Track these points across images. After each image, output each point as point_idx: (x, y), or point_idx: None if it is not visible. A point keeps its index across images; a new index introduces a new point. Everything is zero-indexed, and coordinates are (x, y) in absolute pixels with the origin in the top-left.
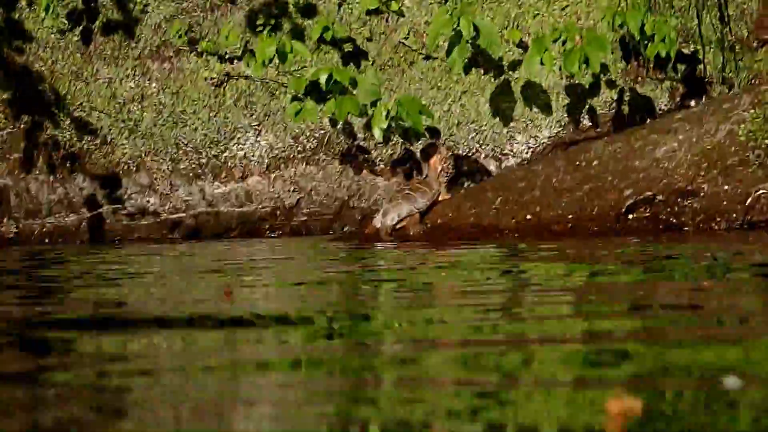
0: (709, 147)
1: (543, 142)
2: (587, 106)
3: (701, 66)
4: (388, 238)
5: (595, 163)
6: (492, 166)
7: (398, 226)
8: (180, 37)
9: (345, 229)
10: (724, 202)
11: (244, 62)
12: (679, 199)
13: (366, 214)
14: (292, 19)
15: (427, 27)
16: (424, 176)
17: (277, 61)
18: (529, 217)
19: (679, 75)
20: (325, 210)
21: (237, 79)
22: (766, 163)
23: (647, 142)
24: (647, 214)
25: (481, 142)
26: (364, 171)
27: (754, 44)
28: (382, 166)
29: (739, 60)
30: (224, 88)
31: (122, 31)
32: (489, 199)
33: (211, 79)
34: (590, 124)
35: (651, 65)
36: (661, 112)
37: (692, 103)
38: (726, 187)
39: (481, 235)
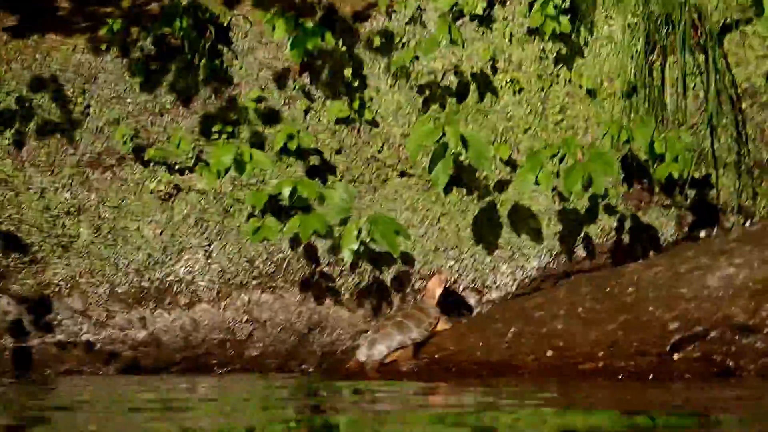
0: None
1: (530, 274)
2: (582, 234)
3: (713, 191)
4: (375, 374)
5: (630, 289)
6: (472, 300)
7: (387, 361)
8: (125, 143)
9: (302, 366)
10: None
11: (197, 173)
12: (737, 337)
13: (327, 351)
14: (252, 125)
15: (403, 140)
16: (419, 301)
17: (233, 174)
18: (550, 353)
19: (689, 201)
20: (280, 344)
21: (187, 193)
22: None
23: (695, 266)
24: (697, 354)
25: (460, 271)
26: (327, 300)
27: None
28: (347, 296)
29: (758, 185)
30: (172, 202)
31: (59, 135)
32: (499, 331)
33: (158, 191)
34: (585, 254)
35: (657, 189)
36: (666, 243)
37: (702, 233)
38: None
39: (490, 373)
